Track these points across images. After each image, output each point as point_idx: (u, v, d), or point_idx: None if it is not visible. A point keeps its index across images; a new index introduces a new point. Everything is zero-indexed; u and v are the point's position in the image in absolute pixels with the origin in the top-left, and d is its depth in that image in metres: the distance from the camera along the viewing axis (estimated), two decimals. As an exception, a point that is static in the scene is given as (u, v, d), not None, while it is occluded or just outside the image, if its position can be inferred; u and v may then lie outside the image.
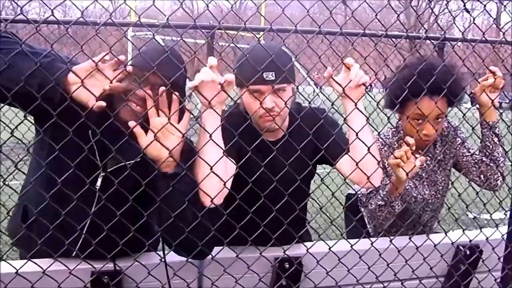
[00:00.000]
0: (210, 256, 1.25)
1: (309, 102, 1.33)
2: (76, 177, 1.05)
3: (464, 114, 1.42)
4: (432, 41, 3.15)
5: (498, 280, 1.51)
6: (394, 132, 1.74)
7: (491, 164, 1.66)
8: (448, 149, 1.76)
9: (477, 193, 1.45)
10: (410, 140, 1.37)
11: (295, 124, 1.31)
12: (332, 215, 3.41)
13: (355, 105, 1.28)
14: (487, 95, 1.55)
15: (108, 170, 1.22)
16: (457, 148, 1.75)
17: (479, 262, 1.54)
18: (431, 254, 1.45)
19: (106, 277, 1.22)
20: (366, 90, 1.33)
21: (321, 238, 1.39)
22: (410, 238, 1.43)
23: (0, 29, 1.09)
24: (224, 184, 1.18)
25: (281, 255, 1.34)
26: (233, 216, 1.21)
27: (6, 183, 0.97)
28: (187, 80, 1.24)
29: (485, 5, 1.18)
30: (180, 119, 1.16)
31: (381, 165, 1.52)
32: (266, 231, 1.22)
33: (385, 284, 1.44)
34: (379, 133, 1.44)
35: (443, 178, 1.78)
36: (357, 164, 1.26)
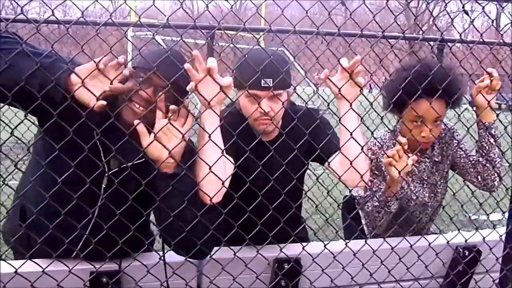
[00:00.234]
0: (209, 255, 1.25)
1: (306, 103, 1.34)
2: (78, 177, 1.05)
3: (460, 115, 1.43)
4: (431, 42, 3.16)
5: (497, 281, 1.51)
6: (391, 136, 1.75)
7: (487, 165, 1.66)
8: (445, 151, 1.76)
9: (472, 192, 1.46)
10: (402, 140, 1.40)
11: (290, 124, 1.35)
12: (333, 216, 3.42)
13: (350, 105, 1.30)
14: (483, 96, 1.56)
15: (112, 171, 1.22)
16: (454, 150, 1.76)
17: (477, 263, 1.54)
18: (429, 254, 1.45)
19: (105, 277, 1.23)
20: (361, 91, 1.34)
21: (320, 239, 1.39)
22: (405, 238, 1.43)
23: (1, 28, 1.09)
24: (223, 183, 1.20)
25: (280, 255, 1.35)
26: (230, 215, 1.22)
27: (6, 182, 0.97)
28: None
29: (483, 7, 1.18)
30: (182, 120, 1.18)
31: (372, 166, 1.55)
32: (263, 230, 1.24)
33: (384, 285, 1.45)
34: (372, 132, 1.45)
35: (441, 180, 1.78)
36: (351, 163, 1.28)
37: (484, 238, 1.50)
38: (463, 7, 1.20)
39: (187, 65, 1.13)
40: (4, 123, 0.97)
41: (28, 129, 1.37)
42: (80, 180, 1.06)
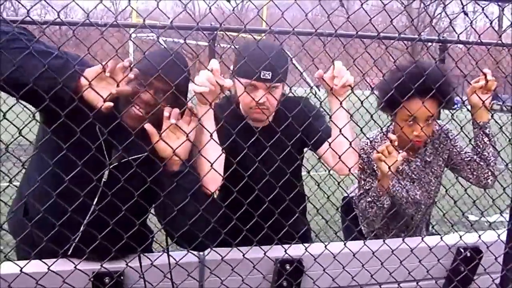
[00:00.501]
0: (211, 257, 1.27)
1: (305, 97, 1.38)
2: (80, 172, 1.07)
3: (453, 115, 1.45)
4: (430, 43, 3.16)
5: (497, 281, 1.51)
6: (382, 137, 1.77)
7: (481, 163, 1.69)
8: (439, 150, 1.78)
9: (465, 190, 1.46)
10: (392, 136, 1.44)
11: (283, 112, 1.41)
12: (334, 217, 3.42)
13: (340, 103, 1.36)
14: (478, 96, 1.58)
15: (114, 165, 1.25)
16: (449, 149, 1.78)
17: (478, 264, 1.54)
18: (431, 256, 1.46)
19: (107, 277, 1.23)
20: (352, 90, 1.39)
21: (321, 240, 1.40)
22: (403, 240, 1.43)
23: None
24: (212, 166, 1.23)
25: (282, 256, 1.35)
26: (227, 204, 1.27)
27: (12, 183, 0.98)
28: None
29: (483, 8, 1.19)
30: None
31: (364, 165, 1.64)
32: (260, 219, 1.26)
33: (386, 286, 1.45)
34: (362, 130, 1.48)
35: (434, 179, 1.80)
36: (339, 157, 1.33)
37: (479, 237, 1.51)
38: (463, 8, 1.21)
39: (212, 71, 1.20)
40: (9, 121, 0.98)
41: (30, 130, 1.38)
42: (82, 175, 1.08)
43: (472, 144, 1.70)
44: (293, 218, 1.37)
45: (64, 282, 1.11)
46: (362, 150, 1.72)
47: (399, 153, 1.46)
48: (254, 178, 1.29)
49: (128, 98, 1.17)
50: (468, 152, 1.75)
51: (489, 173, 1.69)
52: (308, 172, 1.33)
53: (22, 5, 1.15)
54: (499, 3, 1.40)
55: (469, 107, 1.66)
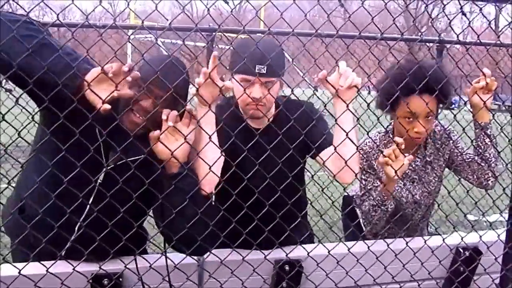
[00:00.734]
0: (210, 259, 1.27)
1: (308, 99, 1.37)
2: (78, 174, 1.07)
3: (455, 115, 1.44)
4: (429, 43, 3.17)
5: (497, 281, 1.51)
6: (382, 137, 1.76)
7: (482, 164, 1.69)
8: (441, 151, 1.78)
9: (467, 191, 1.46)
10: (399, 140, 1.42)
11: (284, 115, 1.38)
12: (332, 217, 3.42)
13: (347, 106, 1.33)
14: (479, 96, 1.58)
15: (111, 166, 1.25)
16: (450, 150, 1.78)
17: (478, 264, 1.54)
18: (432, 256, 1.46)
19: (106, 279, 1.23)
20: (359, 92, 1.36)
21: (321, 242, 1.39)
22: (406, 243, 1.43)
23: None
24: (210, 168, 1.22)
25: (281, 257, 1.35)
26: (226, 207, 1.25)
27: (10, 184, 0.98)
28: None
29: (481, 8, 1.19)
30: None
31: (365, 165, 1.59)
32: (260, 223, 1.25)
33: (386, 286, 1.45)
34: (367, 132, 1.48)
35: (435, 179, 1.80)
36: (346, 162, 1.30)
37: (480, 238, 1.51)
38: (461, 8, 1.21)
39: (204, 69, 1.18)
40: (8, 123, 0.98)
41: (29, 132, 1.38)
42: (80, 176, 1.08)
43: (474, 145, 1.70)
44: (293, 222, 1.34)
45: (63, 284, 1.11)
46: (361, 150, 1.71)
47: (404, 156, 1.43)
48: (254, 181, 1.28)
49: (128, 104, 1.16)
50: (469, 153, 1.75)
51: (490, 174, 1.69)
52: (312, 176, 1.32)
53: (21, 7, 1.15)
54: (497, 4, 1.40)
55: (468, 106, 1.66)
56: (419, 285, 1.50)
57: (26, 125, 1.04)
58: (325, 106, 1.27)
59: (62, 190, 1.05)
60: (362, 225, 1.86)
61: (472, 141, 1.65)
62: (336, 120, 1.36)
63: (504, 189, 1.49)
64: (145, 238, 1.51)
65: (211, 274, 1.27)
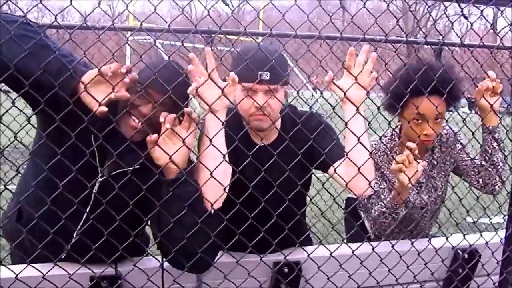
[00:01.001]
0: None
1: (310, 107, 1.33)
2: (74, 181, 1.05)
3: (464, 119, 1.42)
4: (431, 46, 3.17)
5: (497, 284, 1.51)
6: (388, 140, 1.75)
7: (489, 169, 1.66)
8: (448, 154, 1.76)
9: (477, 198, 1.45)
10: (412, 145, 1.36)
11: (290, 128, 1.30)
12: (331, 219, 3.42)
13: (357, 109, 1.27)
14: (485, 99, 1.56)
15: (105, 178, 1.22)
16: (457, 153, 1.75)
17: (477, 266, 1.54)
18: (431, 257, 1.45)
19: (104, 281, 1.22)
20: (368, 94, 1.32)
21: (321, 243, 1.39)
22: (412, 244, 1.43)
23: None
24: (225, 189, 1.18)
25: (280, 259, 1.34)
26: (230, 221, 1.20)
27: (6, 187, 0.97)
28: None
29: (482, 11, 1.19)
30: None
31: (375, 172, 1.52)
32: (263, 237, 1.22)
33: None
34: (380, 138, 1.45)
35: (442, 184, 1.78)
36: (358, 169, 1.24)
37: (487, 242, 1.50)
38: (461, 11, 1.21)
39: (190, 67, 1.13)
40: (5, 125, 0.97)
41: (27, 134, 1.37)
42: (76, 181, 1.05)
43: (481, 150, 1.67)
44: (296, 234, 1.31)
45: (61, 286, 1.10)
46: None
47: (418, 162, 1.37)
48: (258, 194, 1.24)
49: (127, 110, 1.13)
50: (476, 159, 1.71)
51: (497, 179, 1.66)
52: (323, 185, 1.26)
53: (19, 8, 1.15)
54: (497, 6, 1.40)
55: (470, 108, 1.65)
56: (421, 286, 1.49)
57: (24, 127, 1.03)
58: (333, 109, 1.22)
59: (57, 195, 1.02)
60: (369, 229, 1.84)
61: (481, 146, 1.62)
62: (346, 124, 1.30)
63: (508, 193, 1.48)
64: (145, 246, 1.49)
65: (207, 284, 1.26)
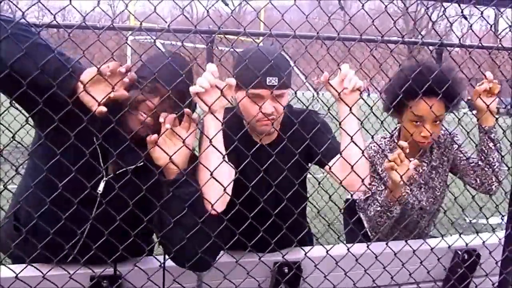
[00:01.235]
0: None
1: (307, 106, 1.34)
2: (75, 181, 1.05)
3: (460, 119, 1.43)
4: (430, 46, 3.17)
5: (496, 284, 1.51)
6: (387, 141, 1.75)
7: (486, 169, 1.67)
8: (445, 155, 1.77)
9: (472, 197, 1.46)
10: (403, 144, 1.40)
11: (289, 127, 1.32)
12: (331, 219, 3.42)
13: (350, 109, 1.29)
14: (482, 100, 1.57)
15: (111, 176, 1.21)
16: (454, 153, 1.76)
17: (476, 266, 1.54)
18: (429, 258, 1.45)
19: (105, 281, 1.22)
20: (361, 95, 1.34)
21: (320, 243, 1.39)
22: (406, 242, 1.43)
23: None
24: (225, 190, 1.18)
25: (280, 259, 1.35)
26: (230, 220, 1.20)
27: (6, 187, 0.97)
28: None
29: (482, 12, 1.19)
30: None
31: (371, 171, 1.53)
32: (263, 236, 1.22)
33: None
34: (372, 136, 1.46)
35: (440, 184, 1.79)
36: (352, 167, 1.27)
37: (483, 241, 1.51)
38: (462, 12, 1.21)
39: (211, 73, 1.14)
40: (4, 126, 0.97)
41: (28, 133, 1.37)
42: (77, 184, 1.05)
43: (477, 149, 1.68)
44: (296, 232, 1.33)
45: (61, 287, 1.10)
46: (366, 154, 1.69)
47: (410, 161, 1.41)
48: (260, 194, 1.25)
49: (133, 105, 1.13)
50: (473, 158, 1.73)
51: (494, 179, 1.67)
52: (319, 183, 1.29)
53: (19, 8, 1.15)
54: (497, 7, 1.41)
55: (471, 109, 1.66)
56: (418, 284, 1.50)
57: (23, 126, 1.03)
58: (328, 109, 1.24)
59: (59, 196, 1.02)
60: (368, 231, 1.85)
61: (476, 146, 1.64)
62: (340, 123, 1.33)
63: (506, 193, 1.49)
64: (151, 248, 1.49)
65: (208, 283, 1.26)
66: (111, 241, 1.10)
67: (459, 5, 1.25)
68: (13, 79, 0.97)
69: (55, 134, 1.03)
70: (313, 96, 1.26)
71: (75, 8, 0.97)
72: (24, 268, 1.07)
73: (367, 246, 1.36)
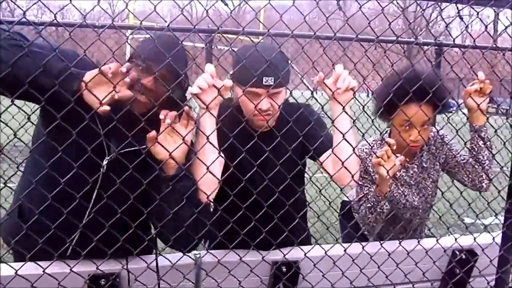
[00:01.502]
0: (208, 259, 1.28)
1: (306, 101, 1.36)
2: (77, 177, 1.07)
3: (449, 118, 1.46)
4: (427, 46, 3.18)
5: (492, 283, 1.52)
6: (379, 144, 1.78)
7: (476, 166, 1.71)
8: (436, 155, 1.80)
9: (461, 193, 1.47)
10: (390, 141, 1.45)
11: (285, 119, 1.35)
12: (330, 219, 3.43)
13: (343, 108, 1.33)
14: (473, 99, 1.60)
15: (112, 155, 1.24)
16: (446, 153, 1.80)
17: (474, 266, 1.55)
18: (427, 258, 1.46)
19: (103, 279, 1.23)
20: (354, 95, 1.37)
21: (318, 243, 1.40)
22: (400, 244, 1.44)
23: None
24: (220, 182, 1.24)
25: (279, 258, 1.35)
26: (225, 210, 1.24)
27: (6, 184, 0.98)
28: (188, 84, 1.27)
29: (478, 12, 1.20)
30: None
31: (361, 171, 1.60)
32: (260, 225, 1.25)
33: (381, 288, 1.45)
34: (363, 135, 1.48)
35: (432, 184, 1.82)
36: (343, 164, 1.30)
37: (475, 240, 1.52)
38: (458, 12, 1.22)
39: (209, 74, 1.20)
40: (4, 123, 0.97)
41: (26, 132, 1.38)
42: (79, 179, 1.07)
43: (467, 147, 1.72)
44: (292, 223, 1.35)
45: (59, 285, 1.11)
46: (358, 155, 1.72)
47: (396, 157, 1.46)
48: (255, 184, 1.28)
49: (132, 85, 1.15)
50: (464, 155, 1.77)
51: (484, 177, 1.71)
52: (310, 178, 1.32)
53: (18, 6, 1.15)
54: (494, 8, 1.41)
55: (465, 110, 1.68)
56: (413, 285, 1.51)
57: (23, 125, 1.04)
58: (322, 108, 1.27)
59: (61, 191, 1.04)
60: (362, 229, 1.87)
61: (465, 143, 1.67)
62: (333, 122, 1.36)
63: (499, 191, 1.50)
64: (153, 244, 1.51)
65: (208, 273, 1.27)
66: (112, 233, 1.12)
67: (457, 6, 1.25)
68: (18, 84, 1.00)
69: (57, 131, 1.05)
70: (312, 94, 1.27)
71: (75, 7, 0.98)
72: (22, 265, 1.07)
73: (363, 248, 1.38)
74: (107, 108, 1.06)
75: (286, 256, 1.34)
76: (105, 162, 1.24)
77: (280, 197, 1.28)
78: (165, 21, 1.15)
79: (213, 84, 1.21)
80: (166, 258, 1.25)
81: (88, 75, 1.07)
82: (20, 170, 1.04)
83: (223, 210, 1.23)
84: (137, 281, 1.26)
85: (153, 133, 1.17)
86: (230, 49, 1.35)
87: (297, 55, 1.37)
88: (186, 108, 1.21)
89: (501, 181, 1.76)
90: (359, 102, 1.32)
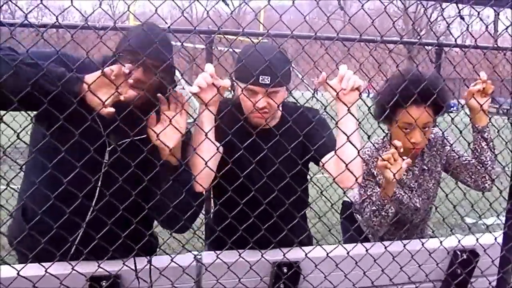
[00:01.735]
0: (209, 260, 1.28)
1: (305, 103, 1.37)
2: (80, 176, 1.08)
3: (453, 119, 1.46)
4: (428, 46, 3.18)
5: (494, 283, 1.52)
6: (380, 146, 1.77)
7: (478, 167, 1.71)
8: (437, 156, 1.80)
9: (464, 194, 1.46)
10: (397, 143, 1.43)
11: (287, 120, 1.36)
12: (331, 220, 3.43)
13: (348, 109, 1.31)
14: (475, 100, 1.59)
15: (112, 146, 1.25)
16: (447, 154, 1.80)
17: (475, 266, 1.55)
18: (429, 258, 1.46)
19: (104, 281, 1.23)
20: (360, 95, 1.36)
21: (319, 244, 1.40)
22: (403, 244, 1.44)
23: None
24: (216, 175, 1.29)
25: (279, 259, 1.35)
26: (223, 205, 1.27)
27: (9, 186, 0.98)
28: (187, 84, 1.29)
29: (478, 12, 1.19)
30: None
31: (364, 173, 1.59)
32: (260, 223, 1.25)
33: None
34: (369, 137, 1.48)
35: (433, 185, 1.82)
36: (346, 166, 1.28)
37: (477, 241, 1.51)
38: (459, 12, 1.22)
39: (209, 74, 1.25)
40: (6, 124, 0.98)
41: (27, 133, 1.38)
42: (81, 178, 1.09)
43: (470, 148, 1.71)
44: (292, 223, 1.35)
45: (61, 284, 1.11)
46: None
47: (403, 159, 1.44)
48: (255, 183, 1.29)
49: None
50: (466, 156, 1.77)
51: (487, 177, 1.71)
52: (311, 179, 1.32)
53: (19, 8, 1.16)
54: (494, 8, 1.41)
55: (467, 110, 1.67)
56: (416, 286, 1.50)
57: (25, 127, 1.04)
58: (325, 109, 1.26)
59: (63, 190, 1.06)
60: (364, 231, 1.87)
61: (469, 144, 1.67)
62: (337, 123, 1.35)
63: (501, 192, 1.50)
64: (155, 244, 1.54)
65: (207, 267, 1.27)
66: (115, 230, 1.13)
67: (457, 6, 1.25)
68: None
69: (59, 132, 1.06)
70: (312, 95, 1.27)
71: (76, 9, 0.98)
72: (24, 266, 1.07)
73: (366, 250, 1.37)
74: (111, 110, 1.07)
75: (287, 256, 1.34)
76: (106, 155, 1.26)
77: (279, 195, 1.28)
78: (166, 23, 1.15)
79: (212, 83, 1.24)
80: (169, 255, 1.25)
81: (90, 78, 1.07)
82: (22, 171, 1.05)
83: (222, 205, 1.26)
84: (137, 281, 1.26)
85: (152, 116, 1.20)
86: (231, 49, 1.36)
87: (297, 55, 1.37)
88: (174, 93, 1.23)
89: (502, 181, 1.76)
90: (365, 103, 1.31)
